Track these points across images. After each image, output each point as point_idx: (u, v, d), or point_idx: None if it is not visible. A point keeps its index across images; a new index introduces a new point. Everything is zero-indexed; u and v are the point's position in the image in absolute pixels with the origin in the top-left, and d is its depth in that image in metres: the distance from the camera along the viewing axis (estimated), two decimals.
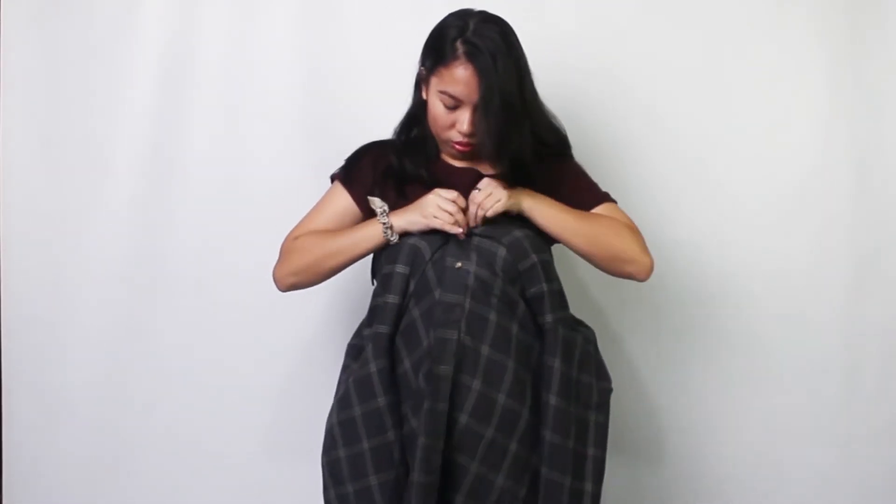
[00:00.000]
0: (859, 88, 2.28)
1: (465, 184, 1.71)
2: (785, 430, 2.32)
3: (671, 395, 2.30)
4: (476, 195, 1.66)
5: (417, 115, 1.76)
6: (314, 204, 1.82)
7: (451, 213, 1.64)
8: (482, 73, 1.59)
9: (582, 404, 1.70)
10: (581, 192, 1.78)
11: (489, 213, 1.65)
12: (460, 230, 1.63)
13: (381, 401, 1.65)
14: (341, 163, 1.82)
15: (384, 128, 2.18)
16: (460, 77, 1.61)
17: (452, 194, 1.66)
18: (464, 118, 1.65)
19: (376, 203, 1.69)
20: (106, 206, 2.17)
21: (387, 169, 1.76)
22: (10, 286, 2.19)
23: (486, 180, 1.69)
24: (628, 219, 1.79)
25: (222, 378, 2.21)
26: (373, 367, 1.66)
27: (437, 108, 1.67)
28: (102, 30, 2.15)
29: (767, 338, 2.30)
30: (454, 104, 1.65)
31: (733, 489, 2.32)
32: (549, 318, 1.67)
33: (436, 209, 1.64)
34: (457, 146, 1.69)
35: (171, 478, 2.21)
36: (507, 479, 1.62)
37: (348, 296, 2.16)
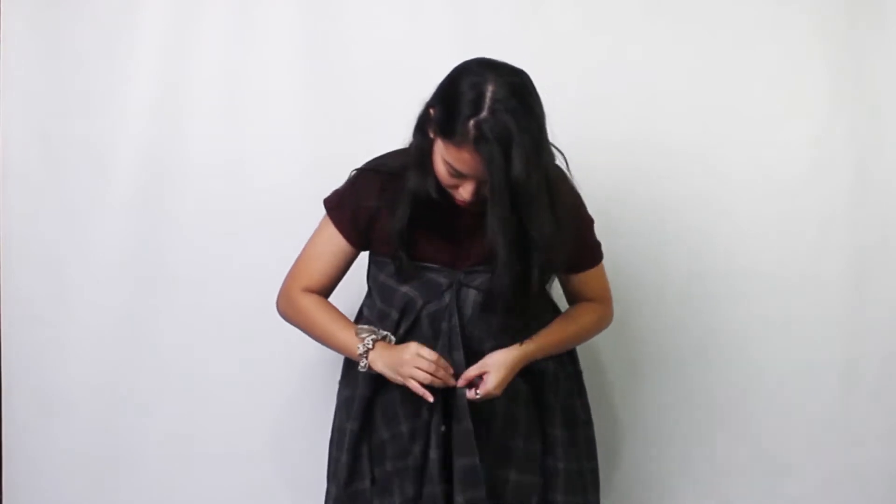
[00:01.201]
0: (859, 88, 2.27)
1: (469, 224, 1.66)
2: (785, 430, 2.32)
3: (670, 394, 2.30)
4: (484, 385, 1.63)
5: (423, 153, 1.62)
6: (311, 235, 1.78)
7: (428, 374, 1.60)
8: (490, 169, 1.48)
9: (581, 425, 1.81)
10: (582, 251, 1.75)
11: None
12: (431, 399, 1.61)
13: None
14: (335, 188, 1.77)
15: (384, 128, 2.17)
16: (468, 160, 1.51)
17: (432, 356, 1.60)
18: (468, 187, 1.57)
19: (363, 333, 1.67)
20: (106, 206, 2.17)
21: (396, 193, 1.67)
22: (10, 286, 2.19)
23: (494, 371, 1.64)
24: (605, 285, 1.83)
25: (222, 378, 2.21)
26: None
27: (440, 168, 1.57)
28: (102, 30, 2.15)
29: (767, 338, 2.30)
30: (458, 175, 1.56)
31: (733, 489, 2.32)
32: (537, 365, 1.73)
33: (411, 370, 1.60)
34: (457, 200, 1.62)
35: (171, 477, 2.21)
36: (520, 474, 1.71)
37: (349, 296, 2.15)
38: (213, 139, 2.18)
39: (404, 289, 1.68)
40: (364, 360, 1.65)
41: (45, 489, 2.21)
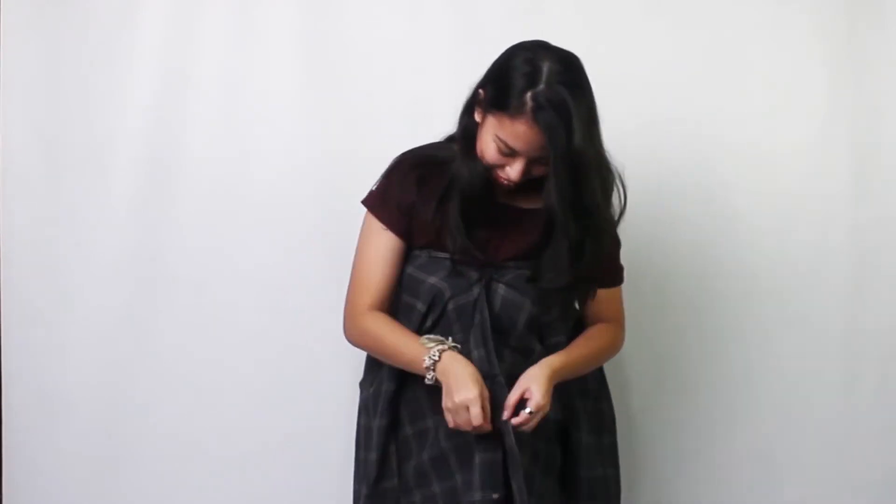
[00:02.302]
0: (859, 88, 2.28)
1: (503, 220, 1.68)
2: (785, 430, 2.32)
3: (670, 395, 2.30)
4: (532, 401, 1.58)
5: (470, 136, 1.63)
6: (358, 240, 1.73)
7: (469, 423, 1.56)
8: (551, 138, 1.50)
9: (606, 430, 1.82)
10: (607, 271, 1.75)
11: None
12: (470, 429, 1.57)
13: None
14: (373, 182, 1.73)
15: (384, 127, 2.19)
16: (522, 133, 1.53)
17: (477, 417, 1.55)
18: (516, 166, 1.57)
19: (430, 344, 1.62)
20: (106, 206, 2.17)
21: (436, 182, 1.66)
22: (10, 286, 2.19)
23: (534, 385, 1.59)
24: (622, 308, 1.83)
25: (222, 378, 2.21)
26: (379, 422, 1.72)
27: (489, 146, 1.57)
28: (102, 30, 2.14)
29: (767, 338, 2.30)
30: (509, 152, 1.56)
31: (733, 489, 2.32)
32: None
33: (460, 416, 1.56)
34: (501, 180, 1.61)
35: (171, 477, 2.21)
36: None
37: None
38: (213, 139, 2.17)
39: (432, 280, 1.66)
40: (431, 372, 1.59)
41: (45, 489, 2.20)
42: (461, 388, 1.56)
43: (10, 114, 2.15)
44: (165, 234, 2.18)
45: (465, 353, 1.63)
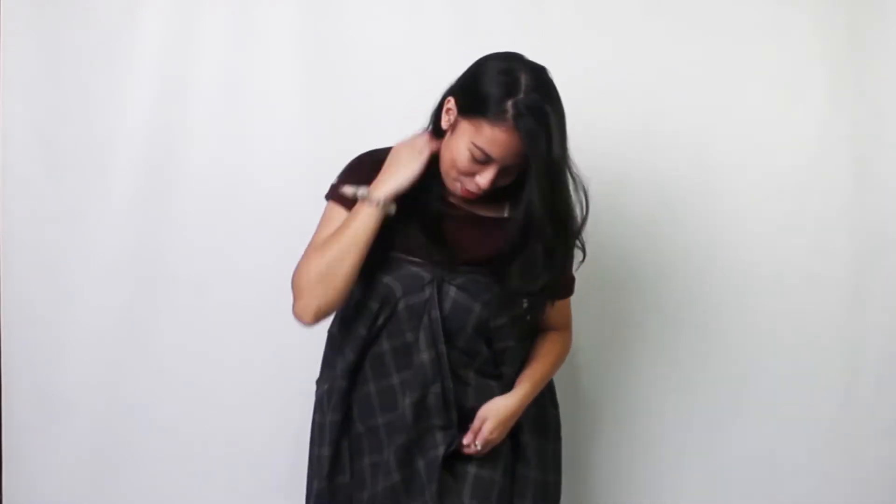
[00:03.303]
0: (859, 88, 2.28)
1: (459, 225, 1.68)
2: (785, 430, 2.32)
3: (670, 395, 2.30)
4: (481, 434, 1.65)
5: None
6: (316, 227, 1.73)
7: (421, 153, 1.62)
8: (532, 145, 1.53)
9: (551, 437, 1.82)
10: (563, 282, 1.76)
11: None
12: None
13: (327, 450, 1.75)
14: (333, 180, 1.74)
15: (384, 127, 2.17)
16: (502, 140, 1.54)
17: (422, 140, 1.64)
18: (487, 174, 1.58)
19: (356, 190, 1.63)
20: (106, 206, 2.17)
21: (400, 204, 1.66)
22: (10, 286, 2.19)
23: (492, 419, 1.66)
24: (569, 312, 1.84)
25: (222, 378, 2.21)
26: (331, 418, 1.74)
27: (461, 154, 1.58)
28: (102, 30, 2.15)
29: (767, 338, 2.30)
30: (484, 160, 1.57)
31: (733, 489, 2.32)
32: (508, 370, 1.73)
33: (410, 153, 1.63)
34: (467, 192, 1.62)
35: (170, 478, 2.21)
36: None
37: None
38: (213, 139, 2.18)
39: (386, 279, 1.66)
40: (376, 199, 1.61)
41: (45, 489, 2.21)
42: (391, 157, 1.65)
43: (10, 114, 2.15)
44: (165, 234, 2.18)
45: (415, 352, 1.65)
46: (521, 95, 1.53)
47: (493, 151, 1.55)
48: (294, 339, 2.19)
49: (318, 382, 1.83)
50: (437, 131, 1.66)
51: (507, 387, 1.72)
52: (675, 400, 2.31)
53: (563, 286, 1.78)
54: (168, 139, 2.17)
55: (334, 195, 1.71)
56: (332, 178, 2.21)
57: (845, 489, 2.34)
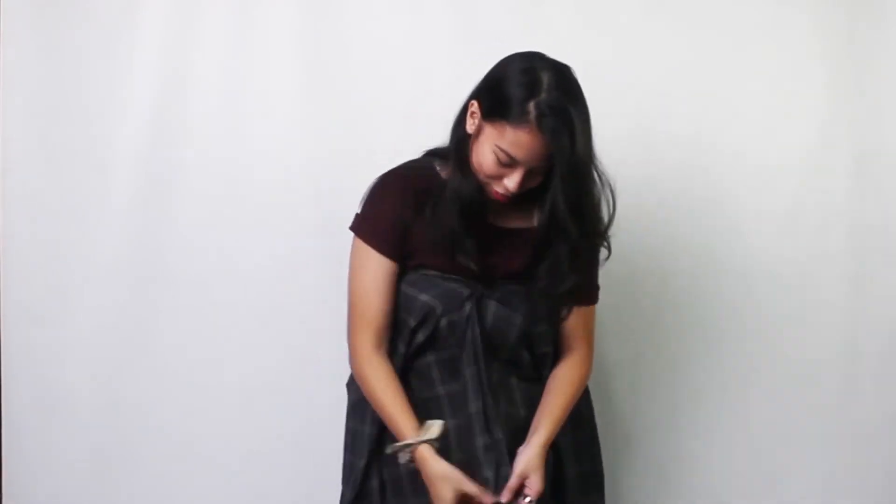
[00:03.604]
0: (859, 88, 2.27)
1: (493, 240, 1.68)
2: (785, 429, 2.32)
3: (670, 394, 2.30)
4: (531, 488, 1.61)
5: (462, 153, 1.62)
6: (350, 264, 1.70)
7: None
8: (556, 145, 1.51)
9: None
10: (590, 281, 1.75)
11: None
12: None
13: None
14: (357, 206, 1.71)
15: (384, 127, 2.18)
16: (525, 142, 1.52)
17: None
18: (514, 176, 1.56)
19: (399, 448, 1.62)
20: (106, 206, 2.17)
21: (439, 200, 1.64)
22: (10, 286, 2.19)
23: (534, 473, 1.61)
24: (592, 329, 1.80)
25: (222, 378, 2.21)
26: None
27: (487, 157, 1.56)
28: (102, 29, 2.14)
29: (767, 338, 2.30)
30: (509, 162, 1.55)
31: (733, 489, 2.32)
32: (546, 372, 1.74)
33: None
34: (496, 194, 1.61)
35: (170, 478, 2.21)
36: None
37: (341, 295, 2.15)
38: (213, 139, 2.17)
39: (424, 297, 1.65)
40: (410, 461, 1.62)
41: (45, 489, 2.20)
42: (435, 494, 1.60)
43: (10, 114, 2.15)
44: (165, 234, 2.18)
45: (458, 369, 1.65)
46: (544, 95, 1.51)
47: (518, 154, 1.53)
48: (294, 338, 2.21)
49: (350, 387, 1.81)
50: (464, 136, 1.62)
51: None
52: (674, 400, 2.30)
53: (587, 293, 1.76)
54: (168, 139, 2.17)
55: (362, 232, 1.68)
56: (332, 177, 2.22)
57: (845, 489, 2.34)
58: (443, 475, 1.59)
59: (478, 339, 1.65)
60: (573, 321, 1.74)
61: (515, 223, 1.69)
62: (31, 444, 2.20)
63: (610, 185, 1.64)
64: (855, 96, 2.27)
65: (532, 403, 1.70)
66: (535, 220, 1.66)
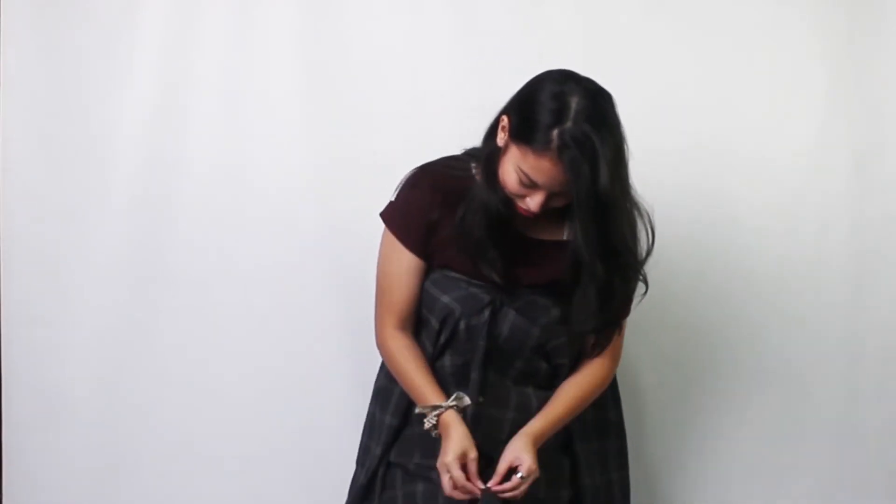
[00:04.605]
0: (858, 88, 2.27)
1: (519, 249, 1.66)
2: (785, 429, 2.32)
3: (670, 394, 2.30)
4: (524, 466, 1.59)
5: (493, 162, 1.60)
6: (380, 249, 1.72)
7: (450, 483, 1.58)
8: (576, 179, 1.47)
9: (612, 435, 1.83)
10: (617, 304, 1.69)
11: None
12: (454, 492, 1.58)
13: None
14: (391, 193, 1.70)
15: (384, 127, 2.18)
16: (546, 170, 1.49)
17: (450, 484, 1.58)
18: (536, 198, 1.54)
19: (426, 410, 1.64)
20: (106, 206, 2.17)
21: (457, 201, 1.63)
22: (10, 286, 2.19)
23: (524, 454, 1.60)
24: (621, 336, 1.75)
25: (222, 379, 2.21)
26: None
27: (510, 175, 1.54)
28: (102, 30, 2.14)
29: (767, 338, 2.30)
30: (530, 185, 1.53)
31: (732, 489, 2.32)
32: (560, 382, 1.72)
33: (442, 477, 1.59)
34: (521, 210, 1.58)
35: (171, 478, 2.21)
36: None
37: (350, 297, 2.15)
38: (214, 139, 2.17)
39: (445, 299, 1.66)
40: (433, 429, 1.63)
41: (45, 489, 2.20)
42: (444, 451, 1.59)
43: (10, 114, 2.15)
44: (165, 234, 2.18)
45: (467, 373, 1.67)
46: (570, 124, 1.47)
47: (539, 179, 1.51)
48: (294, 338, 2.21)
49: (379, 375, 1.83)
50: (494, 148, 1.60)
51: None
52: (674, 400, 2.31)
53: (621, 311, 1.72)
54: (168, 139, 2.16)
55: (392, 223, 1.69)
56: (332, 177, 2.21)
57: (845, 489, 2.34)
58: (462, 435, 1.59)
59: (482, 347, 1.65)
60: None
61: (545, 235, 1.67)
62: (31, 444, 2.20)
63: (649, 217, 1.62)
64: (855, 96, 2.27)
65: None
66: (565, 234, 1.65)
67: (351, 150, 2.17)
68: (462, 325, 1.66)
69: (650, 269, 2.25)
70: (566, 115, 1.47)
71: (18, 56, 2.14)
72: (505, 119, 1.57)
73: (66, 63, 2.14)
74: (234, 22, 2.16)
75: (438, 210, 1.64)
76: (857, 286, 2.31)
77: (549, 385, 1.72)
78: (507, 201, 1.59)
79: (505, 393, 1.69)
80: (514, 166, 1.53)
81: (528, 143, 1.50)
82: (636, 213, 1.61)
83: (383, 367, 1.81)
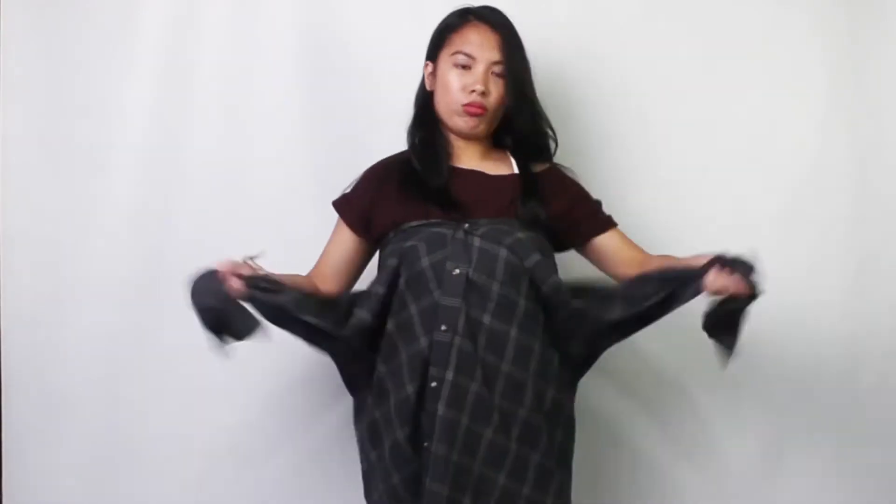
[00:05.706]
0: (859, 88, 2.28)
1: (472, 185, 1.75)
2: (784, 429, 2.32)
3: (670, 394, 2.30)
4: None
5: (425, 110, 1.81)
6: (326, 236, 1.88)
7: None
8: (500, 30, 1.74)
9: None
10: (591, 219, 1.83)
11: None
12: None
13: None
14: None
15: (384, 127, 2.18)
16: (472, 37, 1.74)
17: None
18: (477, 75, 1.72)
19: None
20: (106, 207, 2.17)
21: (405, 181, 1.77)
22: (10, 286, 2.19)
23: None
24: (635, 244, 1.87)
25: (222, 378, 2.20)
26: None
27: (449, 75, 1.74)
28: (102, 30, 2.15)
29: (767, 338, 2.30)
30: (467, 62, 1.73)
31: (732, 489, 2.32)
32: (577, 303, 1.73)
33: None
34: (469, 110, 1.73)
35: (170, 478, 2.21)
36: (509, 478, 1.65)
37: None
38: (213, 139, 2.18)
39: (408, 243, 1.69)
40: None
41: (45, 489, 2.21)
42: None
43: (10, 114, 2.15)
44: (165, 234, 2.18)
45: (438, 304, 1.65)
46: (475, 7, 1.78)
47: (472, 49, 1.73)
48: (294, 337, 2.21)
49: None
50: (425, 93, 1.81)
51: (568, 363, 1.76)
52: (673, 400, 2.31)
53: (591, 219, 1.82)
54: (168, 139, 2.17)
55: (337, 204, 1.86)
56: (332, 177, 2.21)
57: (845, 489, 2.34)
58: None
59: (462, 275, 1.64)
60: (620, 251, 1.80)
61: (494, 170, 1.77)
62: (31, 444, 2.21)
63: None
64: (855, 96, 2.27)
65: (523, 357, 1.66)
66: (514, 169, 1.77)
67: (351, 151, 2.16)
68: (426, 262, 1.67)
69: None
70: (467, 8, 1.78)
71: (18, 56, 2.14)
72: (428, 65, 1.81)
73: (66, 63, 2.15)
74: (234, 22, 2.17)
75: (379, 182, 1.80)
76: (857, 286, 2.31)
77: (534, 330, 1.68)
78: (439, 131, 1.78)
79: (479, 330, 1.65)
80: (448, 65, 1.75)
81: (449, 35, 1.77)
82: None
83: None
